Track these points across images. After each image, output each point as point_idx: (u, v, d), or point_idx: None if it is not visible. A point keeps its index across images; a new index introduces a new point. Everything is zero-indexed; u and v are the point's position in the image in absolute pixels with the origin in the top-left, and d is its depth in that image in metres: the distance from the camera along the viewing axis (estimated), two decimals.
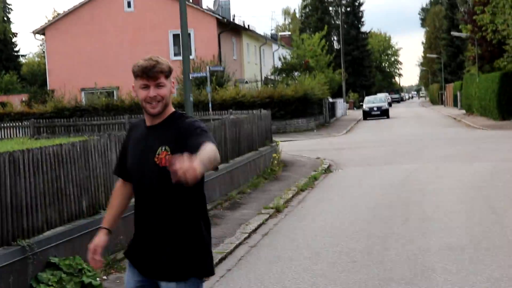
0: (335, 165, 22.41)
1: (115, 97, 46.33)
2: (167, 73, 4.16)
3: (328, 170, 21.14)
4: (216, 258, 9.49)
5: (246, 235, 11.56)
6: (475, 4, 47.72)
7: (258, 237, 11.54)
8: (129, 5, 50.22)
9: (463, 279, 8.32)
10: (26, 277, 7.91)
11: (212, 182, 14.02)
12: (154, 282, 4.30)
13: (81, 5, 51.34)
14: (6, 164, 7.90)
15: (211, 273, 4.31)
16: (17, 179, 8.07)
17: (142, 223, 4.33)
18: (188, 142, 4.00)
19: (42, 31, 52.81)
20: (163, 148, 4.13)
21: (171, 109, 4.29)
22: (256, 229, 12.12)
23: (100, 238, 4.48)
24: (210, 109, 33.44)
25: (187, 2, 42.63)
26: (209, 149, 3.85)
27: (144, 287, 4.33)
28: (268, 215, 13.46)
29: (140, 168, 4.25)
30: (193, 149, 3.82)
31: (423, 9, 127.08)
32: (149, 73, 4.10)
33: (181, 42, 15.75)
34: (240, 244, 10.94)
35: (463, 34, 58.74)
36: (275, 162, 21.14)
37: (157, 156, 4.14)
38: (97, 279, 8.42)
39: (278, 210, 14.06)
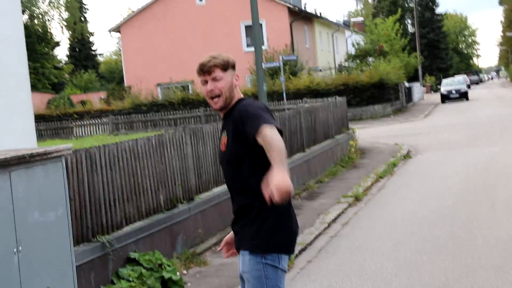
0: (414, 150, 22.11)
1: (190, 91, 46.76)
2: (223, 67, 4.34)
3: (407, 156, 20.87)
4: (295, 249, 9.46)
5: (326, 225, 11.47)
6: None
7: (338, 227, 11.43)
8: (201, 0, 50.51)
9: None
10: (107, 273, 7.99)
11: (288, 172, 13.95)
12: None
13: (154, 2, 51.94)
14: (83, 160, 7.96)
15: (278, 250, 4.32)
16: (94, 175, 8.13)
17: (232, 206, 4.56)
18: (245, 129, 4.19)
19: (117, 29, 53.61)
20: (223, 133, 4.47)
21: (237, 97, 4.48)
22: (335, 218, 12.01)
23: (229, 235, 4.76)
24: (285, 99, 33.37)
25: None
26: (269, 145, 4.03)
27: None
28: (347, 204, 13.35)
29: (219, 158, 4.72)
30: (250, 134, 4.13)
31: None
32: (204, 69, 4.36)
33: (253, 33, 15.70)
34: (319, 234, 10.87)
35: None
36: (353, 149, 20.98)
37: (221, 142, 4.48)
38: (177, 273, 8.44)
39: (357, 199, 13.92)
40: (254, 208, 4.28)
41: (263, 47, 45.77)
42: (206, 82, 4.38)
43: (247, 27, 47.00)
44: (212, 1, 50.06)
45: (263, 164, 4.19)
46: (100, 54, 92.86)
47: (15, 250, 6.40)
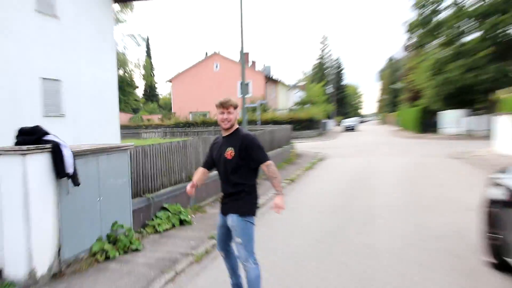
0: (326, 156, 22.01)
1: (207, 116, 46.65)
2: (234, 106, 4.38)
3: (321, 159, 20.77)
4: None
5: (273, 194, 11.34)
6: (408, 69, 47.39)
7: (289, 188, 11.32)
8: (216, 67, 50.38)
9: (394, 223, 8.06)
10: (150, 214, 7.91)
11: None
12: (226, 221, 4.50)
13: (191, 68, 51.76)
14: (140, 152, 7.88)
15: (253, 214, 4.38)
16: (146, 161, 8.04)
17: (221, 187, 4.49)
18: (249, 152, 4.28)
19: (170, 80, 53.35)
20: (230, 148, 4.33)
21: (236, 126, 4.47)
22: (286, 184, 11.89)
23: (192, 182, 4.66)
24: (259, 124, 33.37)
25: (247, 66, 42.26)
26: (274, 174, 4.34)
27: (224, 223, 4.53)
28: (287, 184, 13.24)
29: (219, 160, 4.44)
30: (257, 162, 4.30)
31: (380, 70, 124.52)
32: (224, 105, 4.36)
33: (242, 88, 15.70)
34: (269, 199, 10.75)
35: (398, 86, 58.45)
36: (292, 154, 20.91)
37: (226, 152, 4.33)
38: (189, 216, 8.35)
39: (292, 181, 13.81)
40: (242, 192, 4.31)
41: (249, 95, 46.32)
42: (223, 112, 4.35)
43: (241, 84, 47.06)
44: (222, 69, 49.86)
45: (251, 171, 4.36)
46: (160, 94, 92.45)
47: (98, 199, 6.32)
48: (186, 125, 44.29)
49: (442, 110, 37.50)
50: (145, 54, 79.64)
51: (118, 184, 6.77)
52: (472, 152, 20.25)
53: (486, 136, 29.11)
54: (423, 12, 35.46)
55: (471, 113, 35.42)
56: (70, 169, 5.61)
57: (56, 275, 5.56)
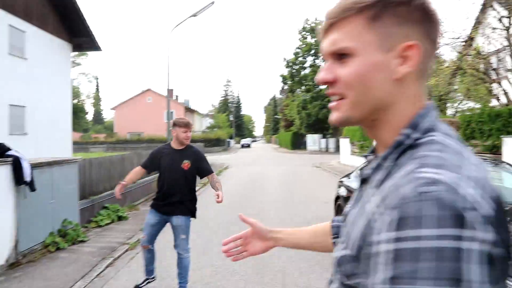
0: (229, 166, 22.00)
1: (141, 136, 44.63)
2: (192, 128, 3.89)
3: (226, 167, 20.73)
4: None
5: (202, 185, 11.00)
6: (284, 106, 49.38)
7: (202, 190, 11.05)
8: (149, 99, 48.56)
9: (277, 213, 8.18)
10: (94, 212, 7.28)
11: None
12: (165, 219, 3.90)
13: (129, 99, 49.38)
14: (87, 163, 7.26)
15: (195, 216, 3.92)
16: (91, 170, 7.42)
17: (168, 192, 3.84)
18: (201, 165, 3.87)
19: (114, 108, 50.39)
20: (186, 160, 3.83)
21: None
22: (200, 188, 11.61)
23: (122, 183, 3.93)
24: None
25: (171, 99, 41.24)
26: (218, 181, 3.81)
27: (160, 221, 3.91)
28: (200, 186, 12.77)
29: (172, 169, 3.83)
30: (206, 172, 3.86)
31: (266, 105, 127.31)
32: (188, 125, 3.87)
33: (167, 115, 15.26)
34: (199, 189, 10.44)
35: (278, 117, 60.66)
36: None
37: (183, 164, 3.82)
38: (125, 213, 7.80)
39: (204, 184, 13.21)
40: (190, 198, 3.85)
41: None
42: (186, 131, 3.81)
43: (167, 112, 45.77)
44: (155, 101, 48.08)
45: (195, 180, 3.90)
46: (105, 118, 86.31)
47: (51, 201, 5.69)
48: (125, 142, 41.91)
49: (307, 134, 39.64)
50: (95, 87, 74.72)
51: (68, 189, 6.15)
52: (326, 163, 21.55)
53: (336, 152, 31.26)
54: (292, 69, 37.90)
55: (326, 136, 37.98)
56: (27, 178, 5.08)
57: (13, 264, 4.88)
